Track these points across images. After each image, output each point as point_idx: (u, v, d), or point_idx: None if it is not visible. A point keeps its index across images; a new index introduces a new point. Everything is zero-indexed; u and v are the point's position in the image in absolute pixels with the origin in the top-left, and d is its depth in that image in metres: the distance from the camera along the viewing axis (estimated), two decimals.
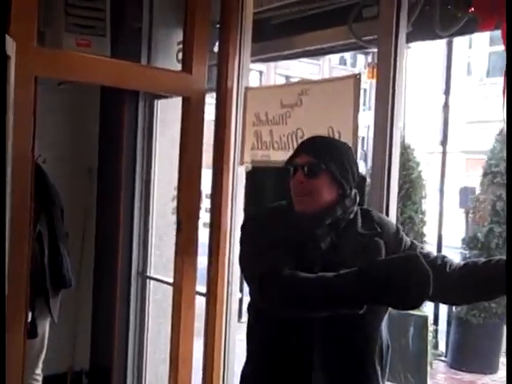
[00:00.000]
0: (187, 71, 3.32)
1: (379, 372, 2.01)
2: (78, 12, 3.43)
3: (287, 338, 1.95)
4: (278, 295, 1.84)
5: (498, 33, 2.35)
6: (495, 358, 6.53)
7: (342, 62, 24.54)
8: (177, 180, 3.46)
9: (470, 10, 2.55)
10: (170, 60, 3.98)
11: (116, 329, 4.10)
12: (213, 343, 3.32)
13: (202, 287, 3.43)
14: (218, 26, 3.39)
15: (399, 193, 4.48)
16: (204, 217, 3.70)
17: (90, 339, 4.39)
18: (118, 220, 4.10)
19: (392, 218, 2.57)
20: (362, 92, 2.80)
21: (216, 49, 3.44)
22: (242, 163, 3.32)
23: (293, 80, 17.22)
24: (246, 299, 2.10)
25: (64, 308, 3.54)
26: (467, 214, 7.96)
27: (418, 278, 1.64)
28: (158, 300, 4.14)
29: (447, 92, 7.66)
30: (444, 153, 7.44)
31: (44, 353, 3.48)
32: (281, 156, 2.95)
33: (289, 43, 3.52)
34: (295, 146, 2.25)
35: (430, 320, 4.75)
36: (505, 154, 6.54)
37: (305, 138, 2.41)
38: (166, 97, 3.93)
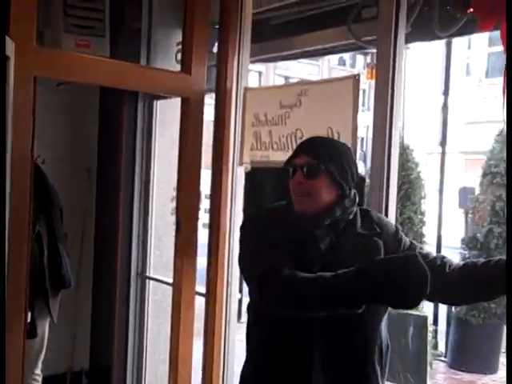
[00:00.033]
0: (186, 72, 3.32)
1: (379, 372, 2.01)
2: (77, 12, 3.43)
3: (287, 338, 1.95)
4: (277, 295, 1.84)
5: (497, 33, 2.35)
6: (495, 358, 6.53)
7: (341, 62, 24.55)
8: (176, 180, 3.47)
9: (468, 11, 2.55)
10: (169, 61, 3.99)
11: (116, 329, 4.10)
12: (212, 343, 3.32)
13: (201, 287, 3.43)
14: (217, 26, 3.39)
15: (398, 193, 4.48)
16: (203, 217, 3.70)
17: (89, 339, 4.39)
18: (118, 220, 4.10)
19: (391, 218, 2.57)
20: (361, 92, 2.80)
21: (215, 49, 3.44)
22: (241, 164, 3.32)
23: (292, 81, 17.21)
24: (246, 299, 2.11)
25: (63, 308, 3.54)
26: (466, 214, 7.96)
27: (417, 277, 1.64)
28: (158, 300, 4.14)
29: (446, 92, 7.65)
30: (443, 153, 7.44)
31: (43, 353, 3.48)
32: (280, 156, 2.95)
33: (288, 44, 3.52)
34: (294, 146, 2.25)
35: (430, 320, 4.75)
36: (504, 155, 6.55)
37: (304, 138, 2.41)
38: (165, 97, 3.93)
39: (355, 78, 2.75)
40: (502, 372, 6.40)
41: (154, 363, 4.13)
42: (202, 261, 3.42)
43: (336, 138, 2.68)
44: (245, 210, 3.37)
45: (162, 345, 3.98)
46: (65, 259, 3.41)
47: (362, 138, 16.20)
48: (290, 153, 2.08)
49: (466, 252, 6.76)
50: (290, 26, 3.50)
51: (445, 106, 7.57)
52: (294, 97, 3.00)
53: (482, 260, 1.98)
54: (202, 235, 3.44)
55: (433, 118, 13.42)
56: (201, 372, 3.40)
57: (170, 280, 3.54)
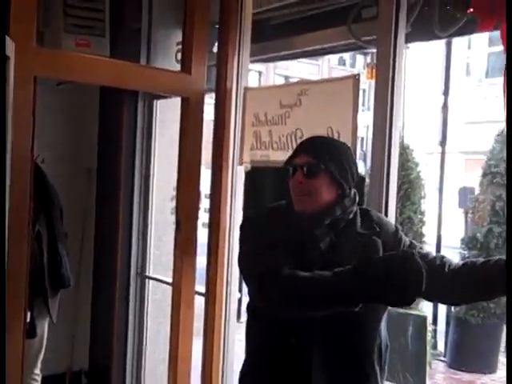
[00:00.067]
0: (186, 71, 3.32)
1: (378, 371, 2.01)
2: (77, 12, 3.43)
3: (286, 337, 1.95)
4: (277, 295, 1.85)
5: (497, 33, 2.35)
6: (494, 358, 6.53)
7: (341, 62, 24.55)
8: (176, 180, 3.47)
9: (468, 11, 2.55)
10: (169, 60, 3.99)
11: (115, 328, 4.10)
12: (212, 343, 3.32)
13: (201, 287, 3.43)
14: (217, 26, 3.39)
15: (398, 193, 4.48)
16: (203, 217, 3.70)
17: (89, 339, 4.40)
18: (117, 220, 4.10)
19: (391, 218, 2.57)
20: (361, 92, 2.81)
21: (215, 49, 3.44)
22: (241, 163, 3.32)
23: (292, 80, 17.22)
24: (245, 299, 2.11)
25: (63, 308, 3.54)
26: (466, 214, 7.96)
27: (416, 276, 1.65)
28: (157, 300, 4.14)
29: (446, 92, 7.65)
30: (443, 153, 7.44)
31: (43, 353, 3.48)
32: (280, 156, 2.95)
33: (288, 44, 3.52)
34: (294, 146, 2.25)
35: (429, 320, 4.76)
36: (504, 155, 6.55)
37: (304, 138, 2.41)
38: (165, 97, 3.93)
39: (355, 78, 2.75)
40: (501, 372, 6.40)
41: (153, 363, 4.13)
42: (201, 260, 3.43)
43: (336, 137, 2.68)
44: (244, 210, 3.37)
45: (162, 344, 3.98)
46: (64, 259, 3.41)
47: (362, 138, 16.19)
48: (289, 152, 2.08)
49: (466, 252, 6.77)
50: (290, 25, 3.50)
51: (445, 106, 7.57)
52: (294, 96, 3.00)
53: (481, 260, 1.98)
54: (202, 234, 3.44)
55: (433, 117, 13.40)
56: (200, 371, 3.40)
57: (170, 279, 3.54)
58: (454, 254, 6.15)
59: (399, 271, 1.65)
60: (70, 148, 4.26)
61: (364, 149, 16.72)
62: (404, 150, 6.66)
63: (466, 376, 6.42)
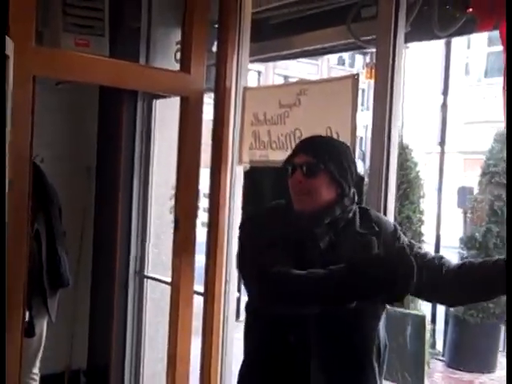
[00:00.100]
0: (186, 71, 3.32)
1: (377, 370, 2.02)
2: (76, 12, 3.43)
3: (285, 337, 1.95)
4: (269, 292, 1.86)
5: (496, 33, 2.35)
6: (493, 357, 6.54)
7: (341, 62, 24.54)
8: (175, 179, 3.47)
9: (468, 11, 2.55)
10: (168, 60, 3.98)
11: (114, 328, 4.10)
12: (210, 342, 3.33)
13: (199, 286, 3.43)
14: (216, 26, 3.39)
15: (397, 192, 4.48)
16: (202, 216, 3.70)
17: (87, 338, 4.39)
18: (116, 219, 4.10)
19: (390, 217, 2.58)
20: (360, 92, 2.81)
21: (214, 49, 3.44)
22: (240, 163, 3.32)
23: (291, 80, 17.21)
24: (244, 298, 2.11)
25: (62, 307, 3.54)
26: (465, 213, 7.96)
27: (405, 270, 1.67)
28: (156, 299, 4.14)
29: (445, 92, 7.65)
30: (442, 153, 7.45)
31: (41, 352, 3.48)
32: (279, 156, 2.95)
33: (287, 43, 3.52)
34: (293, 145, 2.25)
35: (428, 319, 4.76)
36: (503, 155, 6.56)
37: (303, 137, 2.41)
38: (164, 96, 3.93)
39: (354, 78, 2.75)
40: (499, 371, 6.41)
41: (152, 362, 4.13)
42: (200, 259, 3.43)
43: (335, 137, 2.68)
44: (244, 209, 3.37)
45: (160, 343, 3.99)
46: (63, 258, 3.41)
47: (361, 138, 16.20)
48: (288, 152, 2.08)
49: (465, 251, 6.77)
50: (290, 25, 3.50)
51: (444, 106, 7.57)
52: (293, 96, 3.00)
53: (480, 260, 1.99)
54: (201, 234, 3.44)
55: (432, 117, 13.41)
56: (199, 370, 3.40)
57: (169, 279, 3.54)
58: (452, 254, 6.16)
59: (388, 266, 1.68)
60: (69, 147, 4.26)
61: (363, 148, 16.72)
62: (403, 150, 6.66)
63: (464, 375, 6.43)
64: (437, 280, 1.93)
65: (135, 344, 4.15)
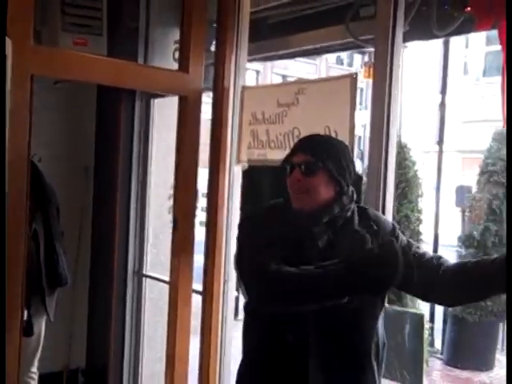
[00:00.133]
0: (184, 70, 3.32)
1: (375, 369, 2.02)
2: (74, 11, 3.43)
3: (284, 336, 1.95)
4: (264, 290, 1.86)
5: (494, 32, 2.36)
6: (491, 356, 6.55)
7: (339, 61, 24.55)
8: (173, 179, 3.47)
9: (466, 10, 2.55)
10: (166, 59, 3.98)
11: (112, 327, 4.10)
12: (209, 341, 3.33)
13: (198, 285, 3.43)
14: (214, 25, 3.39)
15: (395, 191, 4.48)
16: (200, 215, 3.70)
17: (86, 337, 4.39)
18: (115, 218, 4.10)
19: (388, 216, 2.58)
20: (358, 91, 2.81)
21: (213, 48, 3.44)
22: (238, 162, 3.32)
23: (289, 79, 17.21)
24: (243, 297, 2.11)
25: (60, 306, 3.54)
26: (463, 212, 7.99)
27: (389, 259, 1.73)
28: (155, 298, 4.14)
29: (443, 91, 7.66)
30: (440, 152, 7.46)
31: (40, 351, 3.48)
32: (277, 155, 2.95)
33: (286, 43, 3.52)
34: (292, 145, 2.25)
35: (426, 318, 4.76)
36: (501, 153, 6.57)
37: (301, 136, 2.41)
38: (162, 96, 3.93)
39: (353, 77, 2.75)
40: (497, 369, 6.43)
41: (150, 361, 4.13)
42: (198, 259, 3.43)
43: (333, 136, 2.68)
44: (242, 209, 3.37)
45: (159, 343, 3.98)
46: (61, 257, 3.41)
47: (360, 137, 16.21)
48: (287, 151, 2.08)
49: (463, 250, 6.79)
50: (288, 24, 3.50)
51: (442, 105, 7.58)
52: (292, 95, 3.00)
53: (478, 259, 1.99)
54: (199, 233, 3.44)
55: (430, 116, 13.42)
56: (197, 370, 3.40)
57: (167, 278, 3.54)
58: (450, 252, 6.16)
59: (373, 258, 1.74)
60: (67, 146, 4.25)
61: (361, 147, 16.73)
62: (401, 149, 6.67)
63: (462, 373, 6.44)
64: (435, 279, 1.93)
65: (134, 343, 4.15)
